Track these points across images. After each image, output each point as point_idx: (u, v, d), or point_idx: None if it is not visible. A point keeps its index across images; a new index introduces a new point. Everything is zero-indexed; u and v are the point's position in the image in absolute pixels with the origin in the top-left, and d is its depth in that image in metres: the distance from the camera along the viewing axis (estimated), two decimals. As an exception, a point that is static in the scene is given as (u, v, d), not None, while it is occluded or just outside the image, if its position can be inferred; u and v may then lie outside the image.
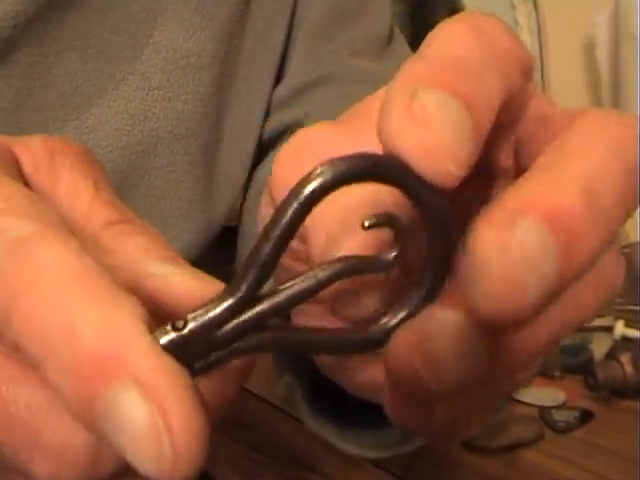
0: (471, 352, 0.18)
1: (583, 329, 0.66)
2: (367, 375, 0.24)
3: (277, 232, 0.17)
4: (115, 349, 0.16)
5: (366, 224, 0.18)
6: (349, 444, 0.33)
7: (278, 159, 0.23)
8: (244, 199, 0.54)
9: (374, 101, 0.23)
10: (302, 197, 0.16)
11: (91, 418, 0.16)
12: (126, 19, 0.43)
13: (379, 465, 0.49)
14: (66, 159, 0.22)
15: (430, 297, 0.19)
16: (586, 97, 1.13)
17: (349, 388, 0.26)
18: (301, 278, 0.18)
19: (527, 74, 0.21)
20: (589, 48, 1.10)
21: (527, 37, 1.11)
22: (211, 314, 0.17)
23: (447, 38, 0.20)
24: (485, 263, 0.16)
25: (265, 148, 0.53)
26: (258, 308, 0.17)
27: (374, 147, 0.18)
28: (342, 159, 0.17)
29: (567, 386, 0.58)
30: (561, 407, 0.55)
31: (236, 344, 0.17)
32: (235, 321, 0.17)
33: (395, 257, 0.19)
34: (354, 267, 0.18)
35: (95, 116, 0.42)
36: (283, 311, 0.18)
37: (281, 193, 0.18)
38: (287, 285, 0.18)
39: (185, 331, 0.17)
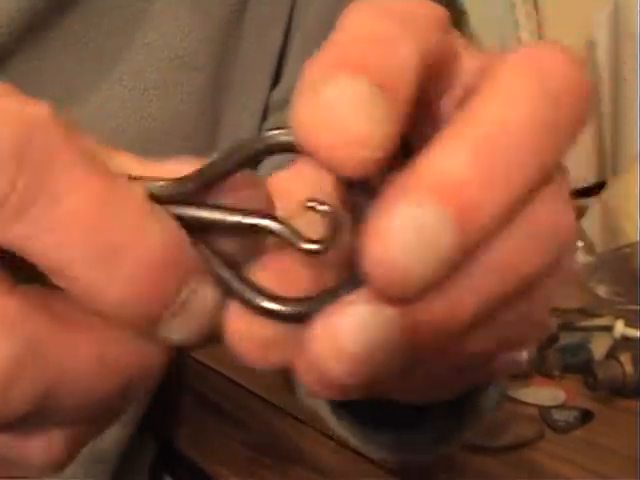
0: (385, 346, 0.17)
1: (583, 329, 0.66)
2: None
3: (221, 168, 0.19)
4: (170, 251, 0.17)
5: (308, 204, 0.19)
6: (373, 447, 0.32)
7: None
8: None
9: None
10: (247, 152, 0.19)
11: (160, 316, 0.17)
12: (121, 20, 0.43)
13: (379, 464, 0.49)
14: None
15: (355, 287, 0.18)
16: (586, 97, 1.13)
17: None
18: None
19: (444, 29, 0.20)
20: (589, 48, 1.10)
21: (527, 37, 1.11)
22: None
23: (353, 16, 0.19)
24: (378, 247, 0.16)
25: None
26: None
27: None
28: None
29: (567, 386, 0.58)
30: (561, 407, 0.55)
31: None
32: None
33: (325, 248, 0.18)
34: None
35: (90, 116, 0.42)
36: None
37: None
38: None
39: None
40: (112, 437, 0.50)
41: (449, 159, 0.17)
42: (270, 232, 0.18)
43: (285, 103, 0.53)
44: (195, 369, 0.63)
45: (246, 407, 0.58)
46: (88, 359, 0.17)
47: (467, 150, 0.17)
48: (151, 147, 0.45)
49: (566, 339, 0.63)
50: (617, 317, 0.66)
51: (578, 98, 0.18)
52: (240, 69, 0.49)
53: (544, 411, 0.54)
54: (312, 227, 0.19)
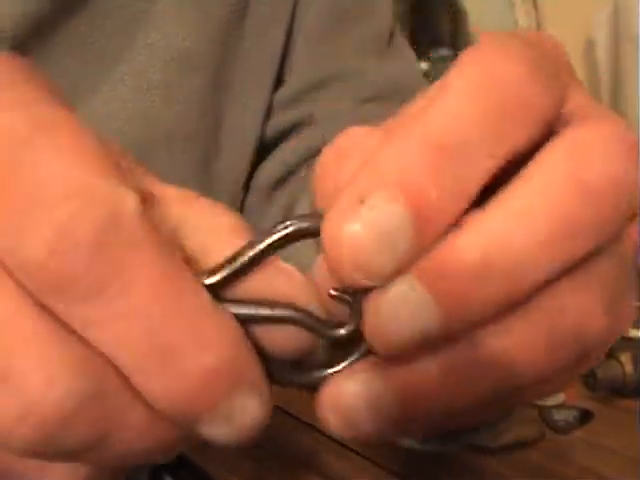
0: (383, 412, 0.19)
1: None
2: None
3: (250, 252, 0.19)
4: (226, 362, 0.17)
5: (332, 292, 0.19)
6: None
7: (321, 161, 0.23)
8: (244, 198, 0.54)
9: (412, 109, 0.23)
10: (271, 239, 0.19)
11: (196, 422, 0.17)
12: (123, 20, 0.43)
13: (380, 465, 0.49)
14: None
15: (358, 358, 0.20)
16: (586, 97, 1.13)
17: None
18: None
19: (546, 122, 0.18)
20: (589, 48, 1.10)
21: (527, 37, 1.11)
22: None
23: (449, 99, 0.18)
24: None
25: (268, 147, 0.53)
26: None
27: (407, 150, 0.17)
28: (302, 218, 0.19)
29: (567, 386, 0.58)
30: (561, 406, 0.55)
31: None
32: None
33: (348, 332, 0.20)
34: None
35: (92, 117, 0.42)
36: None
37: (323, 193, 0.21)
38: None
39: None
40: None
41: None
42: (296, 322, 0.19)
43: (291, 101, 0.53)
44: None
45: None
46: (139, 421, 0.18)
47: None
48: (153, 147, 0.45)
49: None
50: (617, 317, 0.66)
51: (524, 82, 0.18)
52: (242, 69, 0.49)
53: (544, 411, 0.54)
54: (333, 312, 0.20)
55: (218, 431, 0.18)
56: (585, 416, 0.54)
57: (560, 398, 0.57)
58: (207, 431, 0.18)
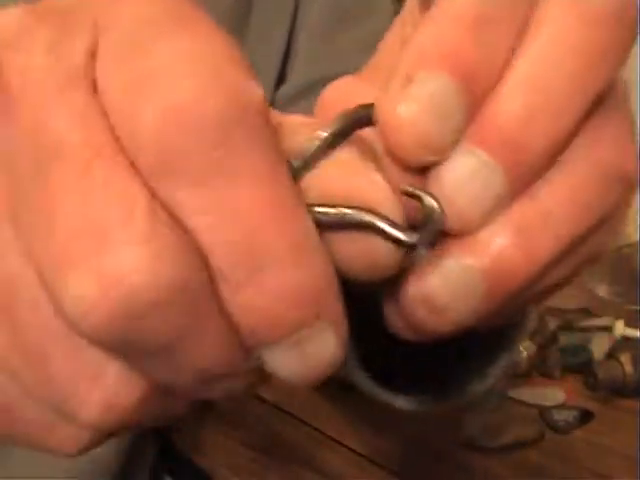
0: (469, 294, 0.19)
1: (583, 329, 0.66)
2: None
3: (305, 156, 0.18)
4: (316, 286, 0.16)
5: (402, 189, 0.18)
6: (403, 401, 0.31)
7: (318, 105, 0.23)
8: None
9: (391, 44, 0.23)
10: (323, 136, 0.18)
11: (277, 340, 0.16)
12: None
13: (379, 464, 0.49)
14: None
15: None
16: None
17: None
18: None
19: None
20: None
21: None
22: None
23: None
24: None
25: None
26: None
27: (443, 25, 0.18)
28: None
29: (567, 386, 0.58)
30: (561, 407, 0.55)
31: None
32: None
33: (418, 238, 0.18)
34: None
35: None
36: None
37: None
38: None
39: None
40: (113, 442, 0.50)
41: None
42: (375, 230, 0.18)
43: (293, 99, 0.53)
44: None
45: (247, 407, 0.58)
46: (216, 333, 0.16)
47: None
48: None
49: (566, 339, 0.63)
50: (617, 317, 0.66)
51: (619, 20, 0.18)
52: None
53: (544, 411, 0.54)
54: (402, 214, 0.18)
55: (288, 361, 0.17)
56: (585, 416, 0.54)
57: (560, 398, 0.57)
58: (276, 359, 0.17)
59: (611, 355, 0.59)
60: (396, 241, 0.17)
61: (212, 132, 0.15)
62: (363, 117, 0.19)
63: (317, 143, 0.18)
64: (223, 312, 0.16)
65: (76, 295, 0.15)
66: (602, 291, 0.73)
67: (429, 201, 0.18)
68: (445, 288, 0.19)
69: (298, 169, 0.18)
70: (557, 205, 0.19)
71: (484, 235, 0.18)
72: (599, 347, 0.62)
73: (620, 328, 0.64)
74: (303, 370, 0.17)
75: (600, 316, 0.68)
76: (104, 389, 0.17)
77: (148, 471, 0.58)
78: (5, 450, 0.46)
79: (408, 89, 0.17)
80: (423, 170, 0.18)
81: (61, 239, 0.15)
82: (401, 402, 0.31)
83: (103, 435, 0.18)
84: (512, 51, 0.18)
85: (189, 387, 0.17)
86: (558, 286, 0.21)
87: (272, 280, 0.15)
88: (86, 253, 0.15)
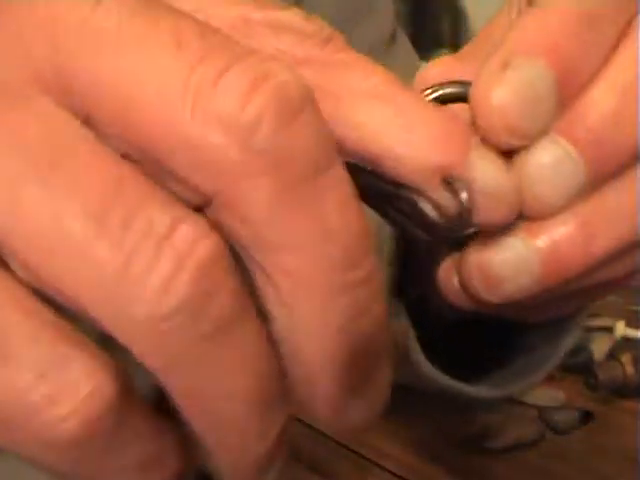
0: (528, 273, 0.20)
1: (584, 329, 0.66)
2: None
3: None
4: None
5: (445, 179, 0.18)
6: (464, 386, 0.33)
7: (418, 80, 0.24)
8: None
9: (492, 29, 0.25)
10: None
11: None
12: None
13: (381, 465, 0.49)
14: None
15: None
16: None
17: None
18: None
19: None
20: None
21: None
22: None
23: None
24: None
25: None
26: None
27: (549, 17, 0.19)
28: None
29: (567, 386, 0.58)
30: (561, 407, 0.55)
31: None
32: None
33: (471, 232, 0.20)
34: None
35: None
36: None
37: None
38: None
39: None
40: None
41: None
42: (411, 202, 0.19)
43: None
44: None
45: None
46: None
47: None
48: None
49: (566, 340, 0.63)
50: (618, 317, 0.66)
51: None
52: None
53: (544, 412, 0.54)
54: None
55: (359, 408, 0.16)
56: (585, 417, 0.54)
57: (561, 399, 0.57)
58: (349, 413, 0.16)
59: (612, 355, 0.59)
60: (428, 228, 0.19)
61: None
62: (460, 93, 0.20)
63: None
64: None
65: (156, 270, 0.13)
66: (603, 291, 0.73)
67: (463, 198, 0.19)
68: (503, 261, 0.20)
69: None
70: (623, 206, 0.19)
71: (550, 221, 0.19)
72: (600, 347, 0.62)
73: (621, 328, 0.64)
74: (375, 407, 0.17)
75: (601, 316, 0.68)
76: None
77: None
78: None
79: (504, 74, 0.18)
80: (509, 152, 0.19)
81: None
82: (478, 390, 0.32)
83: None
84: (612, 51, 0.19)
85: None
86: (609, 285, 0.22)
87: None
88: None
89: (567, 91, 0.18)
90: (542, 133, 0.18)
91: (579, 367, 0.60)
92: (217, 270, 0.14)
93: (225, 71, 0.14)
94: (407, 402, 0.54)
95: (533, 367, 0.32)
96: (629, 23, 0.19)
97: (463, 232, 0.20)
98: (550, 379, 0.59)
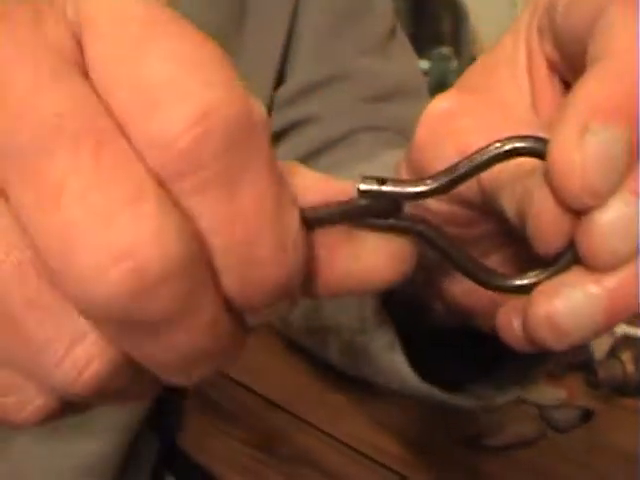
0: (591, 321, 0.21)
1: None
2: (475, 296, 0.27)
3: (470, 164, 0.21)
4: None
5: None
6: (454, 398, 0.34)
7: (420, 126, 0.25)
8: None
9: (491, 59, 0.26)
10: (491, 154, 0.21)
11: None
12: None
13: (379, 462, 0.49)
14: None
15: (566, 268, 0.22)
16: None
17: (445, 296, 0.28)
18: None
19: None
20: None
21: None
22: (402, 188, 0.20)
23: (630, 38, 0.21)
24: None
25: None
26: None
27: (614, 81, 0.20)
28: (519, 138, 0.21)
29: (568, 385, 0.58)
30: (562, 406, 0.55)
31: (406, 222, 0.21)
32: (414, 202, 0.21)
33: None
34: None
35: None
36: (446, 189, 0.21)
37: (419, 154, 0.25)
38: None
39: (383, 188, 0.20)
40: (114, 441, 0.50)
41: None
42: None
43: (294, 98, 0.52)
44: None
45: (247, 406, 0.58)
46: (210, 317, 0.18)
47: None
48: None
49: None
50: (618, 316, 0.66)
51: None
52: (242, 67, 0.49)
53: (545, 410, 0.54)
54: None
55: (256, 320, 0.20)
56: (586, 415, 0.54)
57: (561, 397, 0.57)
58: (250, 319, 0.19)
59: (612, 354, 0.59)
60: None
61: (224, 139, 0.16)
62: (533, 149, 0.21)
63: (469, 166, 0.21)
64: (219, 290, 0.18)
65: (86, 266, 0.16)
66: (603, 290, 0.73)
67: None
68: (570, 314, 0.21)
69: (471, 169, 0.21)
70: None
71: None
72: (600, 346, 0.62)
73: (621, 327, 0.64)
74: (270, 318, 0.20)
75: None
76: (79, 356, 0.18)
77: (150, 469, 0.58)
78: (6, 440, 0.46)
79: (584, 139, 0.19)
80: (577, 211, 0.20)
81: (70, 215, 0.16)
82: (462, 401, 0.33)
83: (64, 405, 0.19)
84: None
85: (167, 368, 0.19)
86: None
87: (259, 277, 0.18)
88: (98, 227, 0.16)
89: (635, 150, 0.20)
90: (613, 193, 0.20)
91: (579, 365, 0.60)
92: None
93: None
94: (407, 399, 0.55)
95: (517, 377, 0.33)
96: None
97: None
98: (551, 377, 0.60)
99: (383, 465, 0.49)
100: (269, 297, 0.19)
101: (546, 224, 0.21)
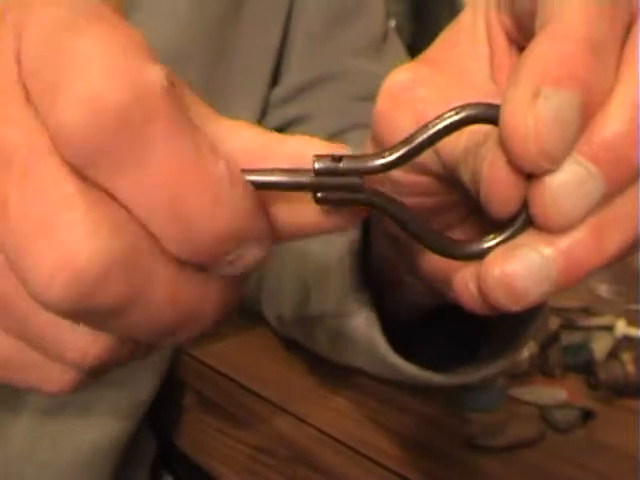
0: (546, 281, 0.21)
1: (584, 328, 0.66)
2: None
3: (426, 134, 0.21)
4: None
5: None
6: (429, 374, 0.35)
7: (380, 98, 0.26)
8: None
9: (452, 33, 0.27)
10: (446, 122, 0.21)
11: None
12: None
13: (379, 463, 0.49)
14: None
15: (521, 231, 0.22)
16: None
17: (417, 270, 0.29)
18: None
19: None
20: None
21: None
22: (359, 164, 0.21)
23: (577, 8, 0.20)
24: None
25: None
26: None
27: (565, 46, 0.20)
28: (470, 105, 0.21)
29: (568, 385, 0.58)
30: (562, 406, 0.55)
31: (360, 195, 0.21)
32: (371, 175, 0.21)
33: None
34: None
35: None
36: (408, 159, 0.21)
37: (379, 125, 0.25)
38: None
39: (339, 166, 0.21)
40: (113, 431, 0.50)
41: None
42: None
43: (288, 98, 0.53)
44: (196, 368, 0.63)
45: (246, 406, 0.58)
46: (165, 288, 0.19)
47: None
48: None
49: (567, 338, 0.63)
50: (618, 316, 0.66)
51: None
52: (238, 66, 0.49)
53: (545, 411, 0.54)
54: None
55: (225, 273, 0.20)
56: (586, 416, 0.54)
57: (562, 398, 0.56)
58: (216, 274, 0.20)
59: (613, 354, 0.59)
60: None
61: (115, 120, 0.17)
62: (485, 115, 0.21)
63: (425, 136, 0.21)
64: (171, 259, 0.19)
65: (35, 275, 0.18)
66: (603, 290, 0.73)
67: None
68: (527, 275, 0.21)
69: (427, 139, 0.21)
70: (629, 212, 0.21)
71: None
72: (601, 346, 0.62)
73: (622, 327, 0.64)
74: (238, 271, 0.20)
75: (601, 315, 0.68)
76: (80, 341, 0.20)
77: (148, 469, 0.58)
78: (5, 432, 0.46)
79: (536, 103, 0.19)
80: (529, 174, 0.21)
81: (16, 228, 0.18)
82: (439, 378, 0.33)
83: (85, 375, 0.22)
84: (615, 72, 0.20)
85: (151, 339, 0.21)
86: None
87: (199, 232, 0.19)
88: (40, 237, 0.18)
89: (588, 114, 0.20)
90: (566, 156, 0.20)
91: (580, 366, 0.60)
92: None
93: None
94: (407, 399, 0.54)
95: (499, 353, 0.34)
96: (623, 45, 0.21)
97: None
98: (551, 378, 0.59)
99: (383, 466, 0.49)
100: (219, 248, 0.19)
101: (497, 187, 0.21)
